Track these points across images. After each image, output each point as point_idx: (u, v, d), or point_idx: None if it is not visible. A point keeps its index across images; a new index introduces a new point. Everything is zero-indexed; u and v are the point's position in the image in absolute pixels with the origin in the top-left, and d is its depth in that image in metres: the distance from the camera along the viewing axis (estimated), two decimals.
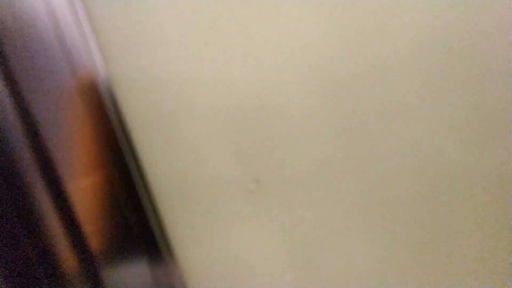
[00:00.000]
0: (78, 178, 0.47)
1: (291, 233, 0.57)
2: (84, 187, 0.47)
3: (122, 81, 0.49)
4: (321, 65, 0.52)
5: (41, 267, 0.47)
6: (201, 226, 0.55)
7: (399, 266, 0.61)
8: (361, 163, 0.56)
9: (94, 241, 0.48)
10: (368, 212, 0.58)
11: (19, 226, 0.45)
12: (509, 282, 0.63)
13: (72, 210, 0.47)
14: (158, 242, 0.51)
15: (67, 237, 0.47)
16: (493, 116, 0.57)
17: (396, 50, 0.53)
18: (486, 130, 0.57)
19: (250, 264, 0.58)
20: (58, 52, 0.44)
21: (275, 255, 0.58)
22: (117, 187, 0.48)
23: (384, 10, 0.52)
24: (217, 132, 0.52)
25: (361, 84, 0.54)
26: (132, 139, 0.51)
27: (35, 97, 0.44)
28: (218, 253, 0.56)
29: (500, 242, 0.62)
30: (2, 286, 0.46)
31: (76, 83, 0.45)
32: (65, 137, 0.46)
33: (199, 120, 0.52)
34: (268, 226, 0.57)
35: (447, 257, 0.61)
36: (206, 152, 0.53)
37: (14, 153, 0.44)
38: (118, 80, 0.49)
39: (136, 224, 0.49)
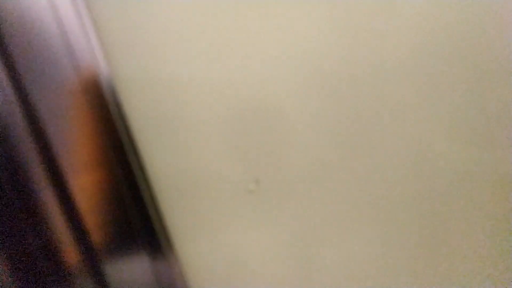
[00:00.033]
0: (81, 175, 0.47)
1: (289, 230, 0.58)
2: (86, 183, 0.48)
3: (124, 79, 0.50)
4: (320, 66, 0.52)
5: (45, 261, 0.47)
6: (201, 222, 0.55)
7: (398, 266, 0.61)
8: (360, 163, 0.56)
9: (96, 235, 0.49)
10: (367, 212, 0.58)
11: (23, 221, 0.46)
12: (509, 282, 0.63)
13: (75, 205, 0.48)
14: (159, 237, 0.51)
15: (70, 232, 0.48)
16: (492, 116, 0.57)
17: (396, 50, 0.53)
18: (485, 131, 0.57)
19: (249, 260, 0.58)
20: (61, 51, 0.45)
21: (274, 253, 0.58)
22: (119, 183, 0.49)
23: (383, 11, 0.52)
24: (217, 131, 0.53)
25: (360, 85, 0.54)
26: (134, 137, 0.51)
27: (39, 95, 0.45)
28: (217, 248, 0.57)
29: (499, 242, 0.61)
30: (7, 278, 0.47)
31: (79, 82, 0.46)
32: (68, 134, 0.46)
33: (200, 118, 0.52)
34: (267, 225, 0.57)
35: (445, 256, 0.61)
36: (207, 151, 0.53)
37: (19, 150, 0.45)
38: (120, 78, 0.49)
39: (137, 219, 0.50)
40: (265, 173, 0.55)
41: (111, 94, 0.48)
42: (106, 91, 0.47)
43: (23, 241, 0.47)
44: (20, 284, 0.47)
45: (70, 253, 0.48)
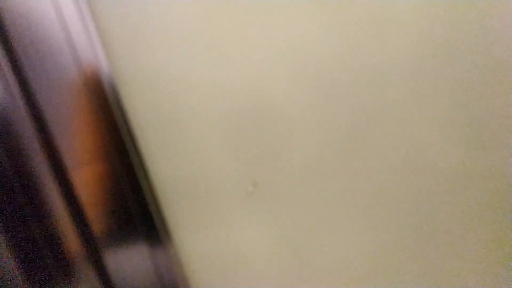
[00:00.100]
0: (83, 168, 0.49)
1: (284, 228, 0.58)
2: (88, 176, 0.49)
3: (125, 77, 0.50)
4: (320, 69, 0.52)
5: (48, 250, 0.49)
6: (199, 214, 0.56)
7: (398, 266, 0.61)
8: (358, 165, 0.56)
9: (97, 226, 0.50)
10: (365, 213, 0.58)
11: (27, 212, 0.47)
12: (509, 282, 0.63)
13: (76, 197, 0.49)
14: (158, 227, 0.53)
15: (72, 223, 0.49)
16: (492, 117, 0.56)
17: (395, 51, 0.52)
18: (484, 131, 0.56)
19: (245, 251, 0.59)
20: (64, 49, 0.46)
21: (270, 246, 0.59)
22: (120, 176, 0.50)
23: (382, 11, 0.51)
24: (215, 127, 0.53)
25: (361, 88, 0.53)
26: (134, 132, 0.52)
27: (42, 92, 0.46)
28: (214, 239, 0.58)
29: (499, 243, 0.61)
30: (12, 267, 0.48)
31: (81, 79, 0.47)
32: (70, 129, 0.48)
33: (198, 114, 0.53)
34: (264, 218, 0.57)
35: (444, 256, 0.61)
36: (205, 146, 0.54)
37: (23, 144, 0.46)
38: (121, 76, 0.50)
39: (136, 211, 0.51)
40: (263, 176, 0.55)
41: (112, 90, 0.49)
42: (107, 88, 0.48)
43: (27, 232, 0.48)
44: (24, 272, 0.49)
45: (72, 243, 0.50)
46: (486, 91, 0.55)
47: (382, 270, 0.61)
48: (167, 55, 0.50)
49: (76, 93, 0.47)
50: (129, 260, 0.52)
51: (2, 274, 0.48)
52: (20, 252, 0.48)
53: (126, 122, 0.50)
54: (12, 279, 0.48)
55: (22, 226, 0.48)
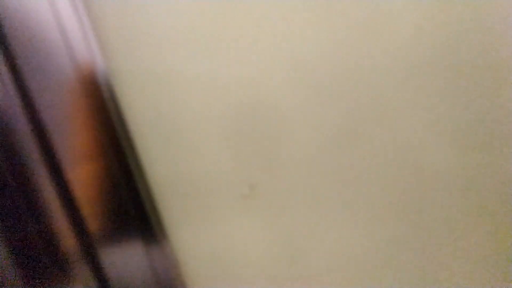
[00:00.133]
0: (79, 166, 0.49)
1: (280, 227, 0.58)
2: (84, 174, 0.49)
3: (121, 76, 0.51)
4: (318, 70, 0.52)
5: (44, 248, 0.49)
6: (194, 212, 0.56)
7: (397, 266, 0.61)
8: (356, 168, 0.56)
9: (93, 224, 0.50)
10: (362, 214, 0.58)
11: (23, 210, 0.48)
12: (509, 282, 0.62)
13: (72, 195, 0.49)
14: (153, 225, 0.53)
15: (68, 220, 0.50)
16: (491, 118, 0.56)
17: (394, 51, 0.52)
18: (484, 133, 0.56)
19: (240, 252, 0.59)
20: (60, 48, 0.46)
21: (266, 243, 0.59)
22: (116, 175, 0.50)
23: (381, 10, 0.51)
24: (212, 126, 0.53)
25: (359, 89, 0.53)
26: (130, 130, 0.53)
27: (39, 91, 0.46)
28: (209, 237, 0.58)
29: (498, 243, 0.61)
30: (7, 263, 0.48)
31: (78, 77, 0.47)
32: (66, 128, 0.48)
33: (195, 114, 0.53)
34: (259, 219, 0.58)
35: (443, 256, 0.61)
36: (201, 144, 0.54)
37: (19, 142, 0.47)
38: (117, 74, 0.51)
39: (132, 208, 0.51)
40: (260, 178, 0.55)
41: (108, 89, 0.49)
42: (103, 86, 0.49)
43: (23, 229, 0.48)
44: (20, 270, 0.49)
45: (68, 242, 0.50)
46: (482, 92, 0.55)
47: (379, 270, 0.61)
48: (164, 54, 0.51)
49: (73, 92, 0.47)
50: (125, 258, 0.52)
51: None
52: (16, 250, 0.48)
53: (122, 121, 0.51)
54: (8, 276, 0.48)
55: (18, 225, 0.48)
